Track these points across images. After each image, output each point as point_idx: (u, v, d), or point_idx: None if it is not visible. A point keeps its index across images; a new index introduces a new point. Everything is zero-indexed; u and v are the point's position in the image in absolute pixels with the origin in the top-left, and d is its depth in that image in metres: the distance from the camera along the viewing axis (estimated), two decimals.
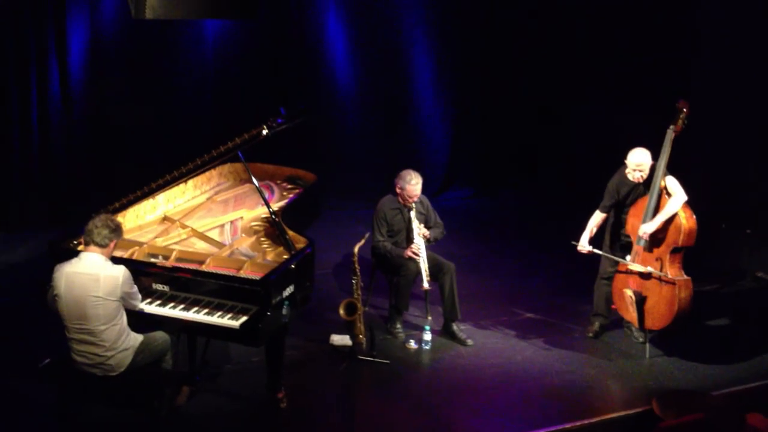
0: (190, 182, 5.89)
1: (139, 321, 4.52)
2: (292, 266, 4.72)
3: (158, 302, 4.65)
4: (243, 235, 5.37)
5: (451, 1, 9.23)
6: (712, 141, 7.46)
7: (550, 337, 6.06)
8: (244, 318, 4.50)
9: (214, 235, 5.35)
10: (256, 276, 4.59)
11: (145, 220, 5.48)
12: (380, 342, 5.81)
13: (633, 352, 5.85)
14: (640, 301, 5.62)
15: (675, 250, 5.52)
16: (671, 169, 5.58)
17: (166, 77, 8.31)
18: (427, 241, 5.98)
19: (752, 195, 7.41)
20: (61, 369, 4.41)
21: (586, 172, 8.78)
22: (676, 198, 5.49)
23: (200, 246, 5.21)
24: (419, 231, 5.91)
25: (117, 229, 4.39)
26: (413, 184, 5.87)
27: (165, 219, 5.55)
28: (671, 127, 5.60)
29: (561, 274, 7.24)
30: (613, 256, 5.79)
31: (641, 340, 5.90)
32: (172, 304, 4.63)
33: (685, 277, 5.55)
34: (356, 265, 5.78)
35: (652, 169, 5.56)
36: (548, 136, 9.75)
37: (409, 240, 5.97)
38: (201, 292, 4.64)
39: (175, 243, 5.20)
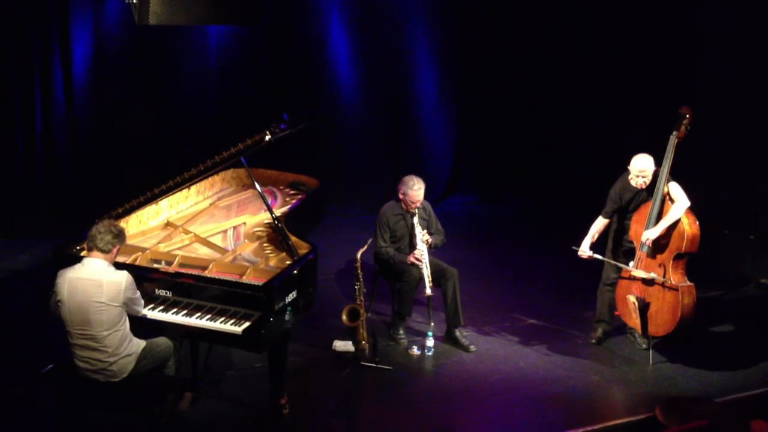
0: (193, 188, 5.88)
1: (141, 327, 4.52)
2: (295, 272, 4.72)
3: (161, 308, 4.64)
4: (246, 240, 5.36)
5: (452, 3, 9.24)
6: (712, 142, 7.43)
7: (553, 344, 6.04)
8: (247, 324, 4.49)
9: (216, 240, 5.35)
10: (259, 282, 4.59)
11: (148, 226, 5.48)
12: (383, 348, 5.80)
13: (636, 358, 5.84)
14: (644, 307, 5.61)
15: (678, 256, 5.51)
16: (674, 175, 5.58)
17: (169, 83, 8.32)
18: (428, 246, 5.97)
19: (753, 197, 7.39)
20: (64, 375, 4.41)
21: (587, 177, 8.80)
22: (680, 204, 5.49)
23: (203, 251, 5.21)
24: (422, 237, 5.91)
25: (120, 235, 4.39)
26: (416, 189, 5.87)
27: (168, 224, 5.54)
28: (674, 133, 5.60)
29: (564, 280, 7.23)
30: (614, 262, 5.78)
31: (644, 346, 5.88)
32: (174, 310, 4.63)
33: (689, 283, 5.54)
34: (359, 271, 5.79)
35: (655, 175, 5.56)
36: (549, 139, 9.73)
37: (412, 246, 5.96)
38: (204, 298, 4.64)
39: (178, 248, 5.19)
